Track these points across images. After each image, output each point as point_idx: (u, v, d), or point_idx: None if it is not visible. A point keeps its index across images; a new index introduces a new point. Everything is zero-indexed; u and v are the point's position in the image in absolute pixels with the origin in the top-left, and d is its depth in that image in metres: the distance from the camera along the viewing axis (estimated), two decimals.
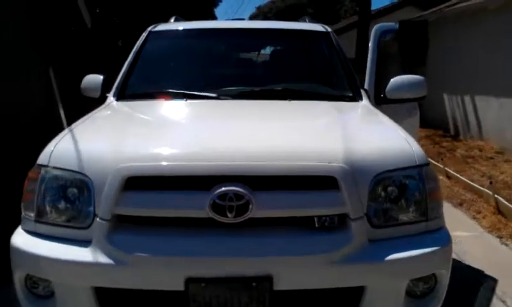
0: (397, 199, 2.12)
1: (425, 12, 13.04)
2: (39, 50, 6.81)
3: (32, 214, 2.07)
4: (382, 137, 2.35)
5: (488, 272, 3.81)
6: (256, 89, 3.15)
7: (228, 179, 1.95)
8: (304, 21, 4.13)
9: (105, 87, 3.36)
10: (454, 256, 3.99)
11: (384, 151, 2.17)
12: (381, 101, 3.37)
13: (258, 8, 49.33)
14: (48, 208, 2.05)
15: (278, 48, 3.68)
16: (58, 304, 2.02)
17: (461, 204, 5.58)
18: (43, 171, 2.09)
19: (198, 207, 1.92)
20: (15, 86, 5.83)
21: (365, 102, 3.14)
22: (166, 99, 3.08)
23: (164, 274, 1.92)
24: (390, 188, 2.11)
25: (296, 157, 2.02)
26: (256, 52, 3.68)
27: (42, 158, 2.14)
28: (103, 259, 1.93)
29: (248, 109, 2.85)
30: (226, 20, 4.00)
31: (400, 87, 3.34)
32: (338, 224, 2.00)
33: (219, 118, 2.72)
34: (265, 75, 3.39)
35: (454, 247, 4.22)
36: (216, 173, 1.96)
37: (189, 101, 3.00)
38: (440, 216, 2.21)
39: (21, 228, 2.14)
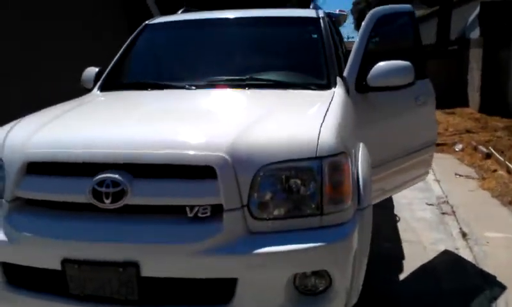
0: (284, 192, 1.98)
1: None
2: None
3: None
4: (289, 126, 2.19)
5: (501, 278, 3.37)
6: (223, 79, 3.12)
7: (111, 166, 1.98)
8: (314, 7, 3.97)
9: (98, 79, 3.56)
10: (469, 258, 3.69)
11: (278, 141, 2.04)
12: (362, 89, 3.14)
13: None
14: None
15: (259, 37, 3.58)
16: None
17: (510, 203, 4.96)
18: None
19: (80, 192, 1.98)
20: None
21: (337, 90, 2.95)
22: (136, 89, 3.18)
23: (44, 253, 2.01)
24: (277, 180, 1.97)
25: (178, 146, 1.98)
26: (239, 41, 3.62)
27: None
28: (2, 236, 2.08)
29: (190, 99, 2.84)
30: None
31: (382, 73, 3.08)
32: (212, 214, 1.92)
33: (150, 108, 2.76)
34: (238, 65, 3.32)
35: (476, 247, 3.87)
36: (97, 160, 2.01)
37: (150, 91, 3.07)
38: (341, 211, 2.01)
39: None
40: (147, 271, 1.91)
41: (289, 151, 2.00)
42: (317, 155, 2.01)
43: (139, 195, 1.94)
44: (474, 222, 4.48)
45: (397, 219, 4.67)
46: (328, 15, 4.01)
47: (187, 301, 1.95)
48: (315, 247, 1.91)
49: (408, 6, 4.12)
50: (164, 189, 1.94)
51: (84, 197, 1.98)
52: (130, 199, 1.94)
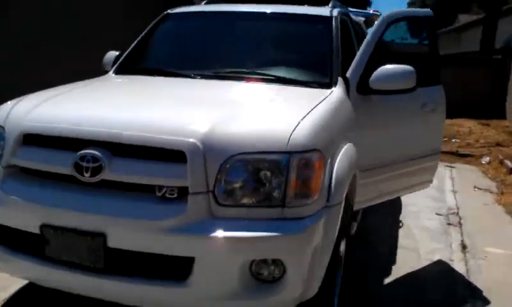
0: (249, 182, 2.10)
1: None
2: None
3: None
4: (267, 120, 2.30)
5: (489, 293, 3.36)
6: (227, 70, 3.25)
7: (94, 143, 2.16)
8: (333, 4, 4.02)
9: (116, 62, 3.76)
10: (462, 270, 3.68)
11: (251, 133, 2.16)
12: (364, 91, 3.19)
13: None
14: None
15: (270, 32, 3.67)
16: None
17: None
18: None
19: (65, 165, 2.17)
20: None
21: (336, 90, 3.03)
22: (147, 74, 3.35)
23: (27, 216, 2.21)
24: (244, 170, 2.09)
25: (155, 130, 2.13)
26: (249, 36, 3.73)
27: None
28: None
29: (187, 88, 3.00)
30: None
31: (383, 77, 3.13)
32: (178, 196, 2.06)
33: (146, 92, 2.92)
34: (245, 59, 3.43)
35: (472, 261, 3.85)
36: (81, 137, 2.19)
37: (157, 77, 3.25)
38: (304, 205, 2.11)
39: None
40: (113, 242, 2.08)
41: (260, 143, 2.12)
42: (287, 149, 2.11)
43: (115, 171, 2.11)
44: (478, 236, 4.43)
45: (400, 225, 4.67)
46: (346, 14, 4.04)
47: (148, 274, 2.10)
48: (270, 237, 2.02)
49: (428, 10, 4.11)
50: (137, 168, 2.10)
51: (67, 170, 2.16)
52: (106, 175, 2.11)
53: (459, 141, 9.12)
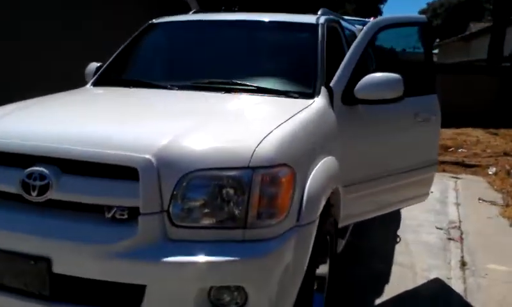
0: (208, 201, 1.93)
1: None
2: None
3: None
4: (231, 133, 2.13)
5: None
6: (206, 81, 3.09)
7: (44, 160, 2.01)
8: (323, 12, 3.86)
9: (96, 74, 3.64)
10: (460, 289, 3.45)
11: (211, 148, 1.99)
12: (349, 101, 3.01)
13: (429, 4, 46.50)
14: None
15: (253, 41, 3.51)
16: None
17: None
18: None
19: (11, 183, 2.02)
20: None
21: (317, 100, 2.86)
22: (124, 86, 3.22)
23: None
24: (202, 188, 1.93)
25: (106, 145, 1.97)
26: (232, 45, 3.58)
27: None
28: None
29: (157, 100, 2.87)
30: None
31: (369, 86, 2.96)
32: (130, 217, 1.90)
33: (111, 105, 2.78)
34: (226, 69, 3.27)
35: (471, 279, 3.61)
36: (29, 153, 2.04)
37: (131, 89, 3.11)
38: (268, 226, 1.93)
39: None
40: (58, 268, 1.91)
41: (220, 158, 1.95)
42: (250, 165, 1.94)
43: (62, 191, 1.96)
44: (480, 252, 4.20)
45: (398, 240, 4.45)
46: (337, 22, 3.87)
47: (97, 303, 1.94)
48: (229, 261, 1.84)
49: (422, 16, 3.93)
50: (86, 187, 1.94)
51: (15, 188, 2.01)
52: (53, 194, 1.96)
53: (465, 150, 8.86)
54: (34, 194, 1.97)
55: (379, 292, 3.39)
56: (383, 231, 4.61)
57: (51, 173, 1.96)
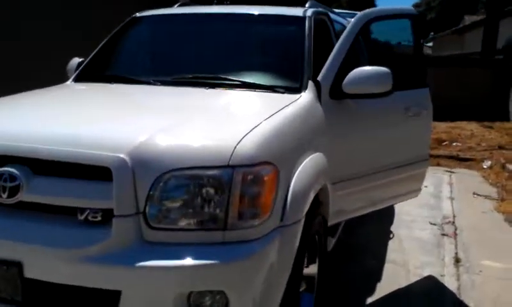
0: (186, 201, 1.83)
1: None
2: None
3: None
4: (211, 131, 2.04)
5: None
6: (189, 76, 2.99)
7: (15, 160, 1.91)
8: (310, 5, 3.76)
9: (77, 69, 3.53)
10: (453, 286, 3.37)
11: (189, 146, 1.90)
12: (337, 95, 2.92)
13: None
14: None
15: (239, 35, 3.41)
16: None
17: None
18: None
19: None
20: None
21: (304, 95, 2.77)
22: (105, 82, 3.11)
23: None
24: (179, 189, 1.83)
25: (78, 144, 1.88)
26: (217, 39, 3.48)
27: None
28: None
29: (136, 96, 2.79)
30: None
31: (356, 80, 2.87)
32: (103, 219, 1.80)
33: (88, 102, 2.68)
34: (211, 63, 3.17)
35: (465, 276, 3.54)
36: None
37: (113, 85, 3.00)
38: (249, 227, 1.84)
39: None
40: (30, 272, 1.82)
41: (198, 157, 1.86)
42: (229, 163, 1.85)
43: (33, 192, 1.86)
44: (474, 248, 4.13)
45: (391, 236, 4.38)
46: (325, 14, 3.77)
47: None
48: (208, 265, 1.75)
49: (411, 8, 3.84)
50: (58, 188, 1.85)
51: None
52: (24, 196, 1.86)
53: (460, 144, 8.78)
54: (4, 195, 1.87)
55: (372, 290, 3.31)
56: (376, 227, 4.53)
57: (21, 173, 1.87)
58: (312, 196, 2.26)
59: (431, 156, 7.86)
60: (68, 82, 3.36)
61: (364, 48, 3.78)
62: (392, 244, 4.19)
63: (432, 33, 35.63)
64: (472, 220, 4.89)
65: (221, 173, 1.84)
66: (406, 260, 3.85)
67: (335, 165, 2.83)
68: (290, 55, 3.14)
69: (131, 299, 1.77)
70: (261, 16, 3.44)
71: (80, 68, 3.47)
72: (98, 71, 3.36)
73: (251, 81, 2.89)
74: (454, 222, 4.78)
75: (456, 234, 4.47)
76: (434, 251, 4.08)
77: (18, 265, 1.82)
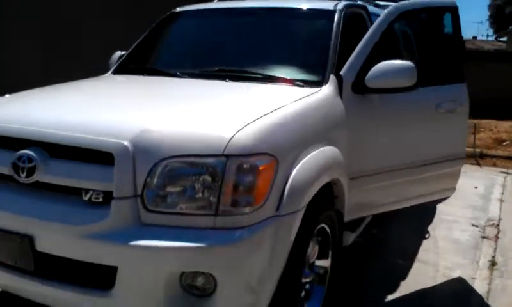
0: (181, 187, 1.93)
1: None
2: None
3: None
4: (211, 121, 2.12)
5: None
6: (214, 69, 3.09)
7: (32, 144, 2.10)
8: None
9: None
10: (482, 290, 3.24)
11: (187, 134, 1.99)
12: (360, 90, 2.91)
13: None
14: None
15: (267, 29, 3.45)
16: None
17: None
18: None
19: (4, 165, 2.13)
20: None
21: (323, 89, 2.79)
22: (140, 74, 3.29)
23: None
24: (176, 174, 1.93)
25: (87, 130, 2.03)
26: (246, 33, 3.54)
27: None
28: None
29: (157, 88, 2.90)
30: None
31: (378, 74, 2.85)
32: (105, 200, 1.94)
33: (110, 92, 2.84)
34: (238, 56, 3.25)
35: (498, 280, 3.39)
36: (18, 136, 2.14)
37: (143, 77, 3.18)
38: (240, 214, 1.91)
39: None
40: (40, 246, 1.99)
41: (194, 145, 1.95)
42: (224, 152, 1.93)
43: (48, 173, 2.03)
44: None
45: (427, 236, 4.26)
46: (362, 7, 3.72)
47: (76, 281, 1.99)
48: (197, 247, 1.84)
49: (451, 1, 3.70)
50: (67, 170, 2.01)
51: (6, 169, 2.12)
52: (40, 176, 2.04)
53: None
54: (23, 175, 2.06)
55: (393, 288, 3.26)
56: (411, 226, 4.43)
57: (38, 156, 2.04)
58: (315, 188, 2.28)
59: (488, 156, 7.58)
60: (106, 75, 3.57)
61: (400, 41, 3.68)
62: (426, 244, 4.08)
63: (511, 27, 33.48)
64: None
65: (215, 162, 1.92)
66: (437, 261, 3.74)
67: (355, 159, 2.82)
68: (315, 49, 3.15)
69: (126, 275, 1.89)
70: (293, 10, 3.46)
71: (120, 61, 3.68)
72: (134, 64, 3.55)
73: (272, 74, 2.94)
74: (498, 225, 4.57)
75: (497, 237, 4.28)
76: (469, 252, 3.93)
77: (30, 238, 2.00)
